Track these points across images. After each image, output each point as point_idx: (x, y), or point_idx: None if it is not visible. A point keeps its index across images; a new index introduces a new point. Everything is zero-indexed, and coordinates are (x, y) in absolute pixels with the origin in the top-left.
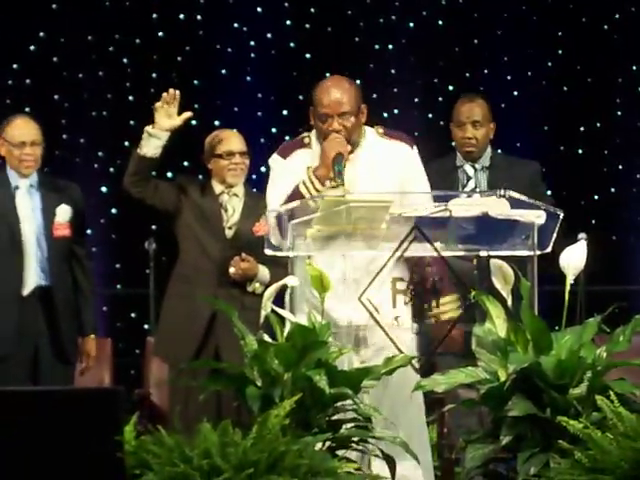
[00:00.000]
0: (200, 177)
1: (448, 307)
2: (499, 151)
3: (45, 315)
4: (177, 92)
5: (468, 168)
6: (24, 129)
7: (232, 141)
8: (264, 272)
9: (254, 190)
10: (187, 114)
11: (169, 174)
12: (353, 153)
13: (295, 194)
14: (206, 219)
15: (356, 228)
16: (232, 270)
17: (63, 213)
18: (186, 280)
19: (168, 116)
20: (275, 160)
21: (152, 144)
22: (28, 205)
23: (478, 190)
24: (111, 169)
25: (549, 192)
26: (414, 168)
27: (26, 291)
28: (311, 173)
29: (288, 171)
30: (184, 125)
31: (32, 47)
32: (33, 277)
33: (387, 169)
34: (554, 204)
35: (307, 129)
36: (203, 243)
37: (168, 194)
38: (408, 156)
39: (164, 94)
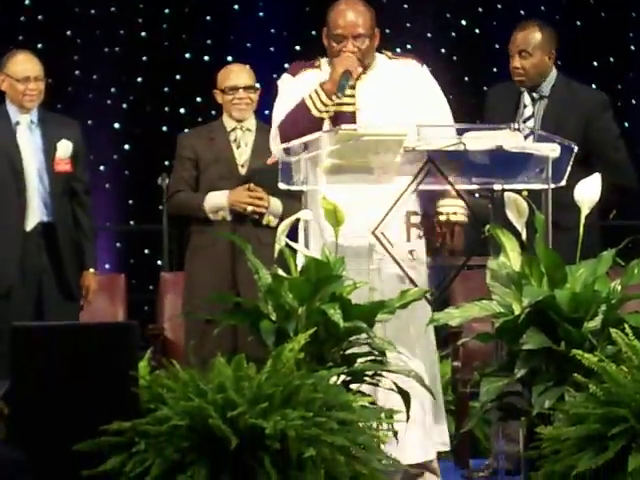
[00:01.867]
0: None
1: (456, 208)
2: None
3: (48, 251)
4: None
5: (526, 97)
6: (28, 64)
7: (236, 75)
8: (276, 204)
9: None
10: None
11: (182, 110)
12: (365, 74)
13: (300, 107)
14: (219, 162)
15: (370, 161)
16: (250, 209)
17: (64, 148)
18: (206, 230)
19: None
20: (284, 78)
21: (219, 215)
22: (29, 140)
23: (531, 120)
24: (124, 105)
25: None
26: (427, 84)
27: (29, 226)
28: (318, 87)
29: (295, 87)
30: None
31: None
32: (36, 212)
33: (399, 88)
34: (620, 135)
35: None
36: (218, 186)
37: (193, 177)
38: (419, 72)
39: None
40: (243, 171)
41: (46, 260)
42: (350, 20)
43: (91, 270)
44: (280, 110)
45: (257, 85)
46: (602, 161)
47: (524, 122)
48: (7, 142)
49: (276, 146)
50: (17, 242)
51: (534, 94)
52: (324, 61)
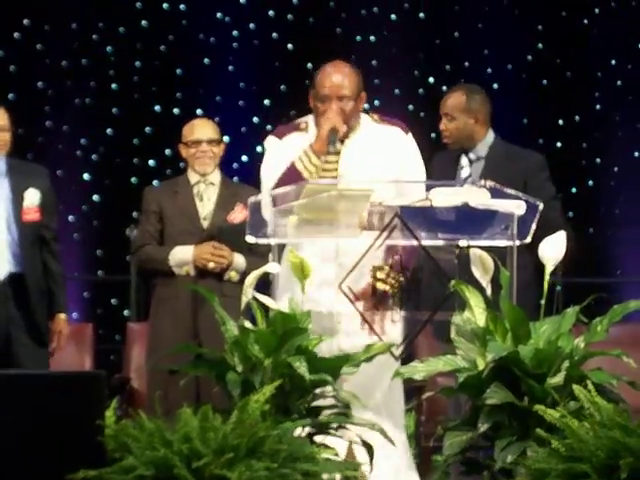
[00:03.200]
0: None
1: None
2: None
3: (17, 301)
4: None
5: (463, 158)
6: None
7: (199, 129)
8: (239, 260)
9: (235, 178)
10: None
11: (151, 162)
12: (348, 139)
13: (291, 170)
14: (182, 215)
15: (338, 216)
16: (211, 265)
17: (32, 197)
18: (171, 283)
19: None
20: (270, 141)
21: (184, 269)
22: None
23: (470, 180)
24: (93, 156)
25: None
26: (409, 153)
27: None
28: (307, 148)
29: (283, 150)
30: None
31: (16, 34)
32: (4, 264)
33: (382, 153)
34: (555, 196)
35: (302, 114)
36: (181, 240)
37: (158, 230)
38: (403, 140)
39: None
40: (205, 224)
41: (15, 310)
42: (335, 81)
43: (62, 315)
44: (268, 174)
45: (222, 138)
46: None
47: (463, 182)
48: None
49: (269, 214)
50: None
51: (471, 155)
52: (310, 122)
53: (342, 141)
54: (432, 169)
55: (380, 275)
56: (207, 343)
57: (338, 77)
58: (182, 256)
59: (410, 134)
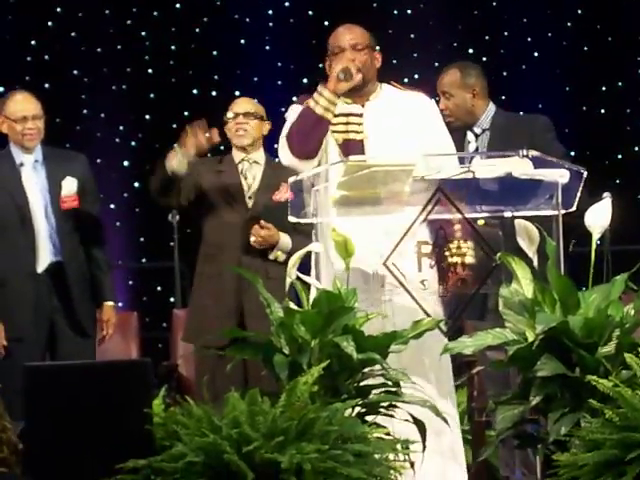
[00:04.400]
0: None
1: (469, 251)
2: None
3: (59, 291)
4: (214, 131)
5: (469, 134)
6: (24, 104)
7: (236, 104)
8: (285, 240)
9: (276, 160)
10: (215, 139)
11: None
12: (369, 101)
13: (304, 110)
14: (227, 192)
15: (379, 192)
16: (252, 239)
17: (69, 185)
18: (213, 259)
19: (197, 145)
20: (292, 107)
21: (179, 162)
22: (34, 181)
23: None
24: (132, 143)
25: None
26: (433, 118)
27: (40, 268)
28: (320, 86)
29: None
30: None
31: (50, 23)
32: (45, 254)
33: (405, 117)
34: (565, 156)
35: None
36: (226, 218)
37: (189, 189)
38: (427, 106)
39: (197, 125)
40: (250, 203)
41: (57, 300)
42: (346, 35)
43: (110, 303)
44: (285, 128)
45: (264, 116)
46: None
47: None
48: (12, 184)
49: (284, 155)
50: (28, 285)
51: (475, 129)
52: None
53: (362, 104)
54: None
55: (425, 250)
56: (251, 324)
57: (348, 32)
58: None
59: (433, 100)
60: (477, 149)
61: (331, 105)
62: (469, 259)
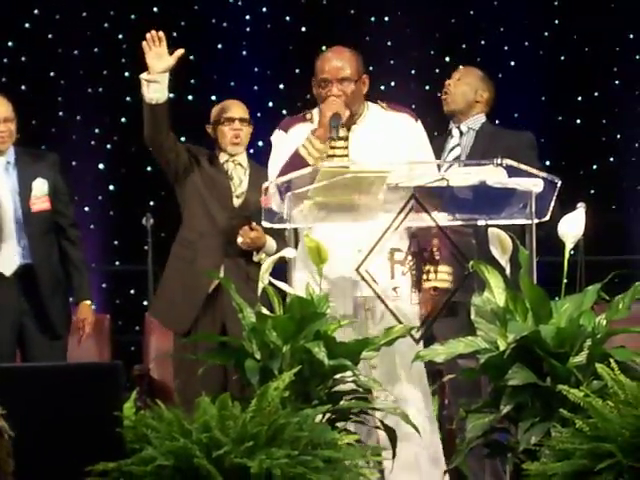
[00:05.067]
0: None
1: (446, 276)
2: (496, 122)
3: (28, 293)
4: (160, 33)
5: (454, 130)
6: None
7: (232, 107)
8: (271, 243)
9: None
10: (179, 51)
11: None
12: (356, 124)
13: (294, 157)
14: (214, 186)
15: (354, 198)
16: (240, 240)
17: (39, 187)
18: (190, 245)
19: (159, 57)
20: (277, 134)
21: (154, 89)
22: (5, 183)
23: (457, 149)
24: (108, 146)
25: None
26: (419, 139)
27: (8, 271)
28: (310, 134)
29: (288, 142)
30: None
31: (27, 24)
32: (15, 256)
33: (391, 139)
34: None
35: (309, 107)
36: (210, 209)
37: (183, 154)
38: (412, 127)
39: (147, 35)
40: (237, 202)
41: (26, 303)
42: (334, 65)
43: (86, 302)
44: (275, 166)
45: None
46: None
47: (450, 151)
48: None
49: (276, 203)
50: None
51: (462, 127)
52: (315, 113)
53: (349, 128)
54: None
55: (398, 257)
56: (232, 327)
57: (336, 60)
58: None
59: (419, 121)
60: (457, 145)
61: (323, 154)
62: (448, 285)
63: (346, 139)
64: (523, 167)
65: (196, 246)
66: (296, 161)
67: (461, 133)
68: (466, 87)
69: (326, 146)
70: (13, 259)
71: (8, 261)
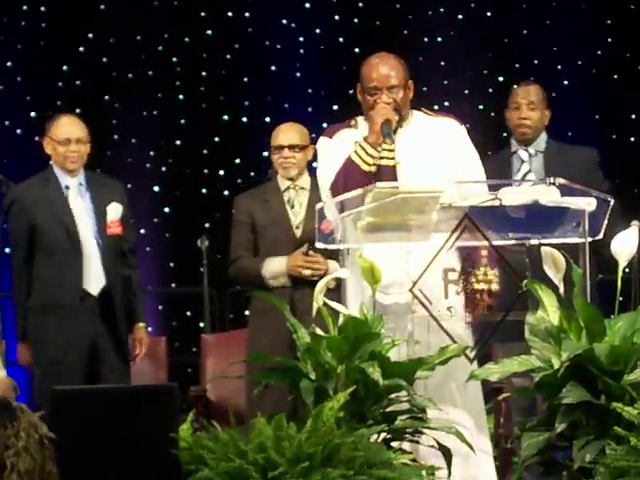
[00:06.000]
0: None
1: (492, 277)
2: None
3: (105, 316)
4: None
5: (522, 153)
6: (69, 127)
7: (281, 135)
8: (334, 266)
9: None
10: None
11: (221, 172)
12: (402, 128)
13: (347, 165)
14: (274, 224)
15: (407, 219)
16: (307, 272)
17: (114, 211)
18: (264, 295)
19: None
20: (321, 141)
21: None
22: (81, 205)
23: (531, 174)
24: (163, 168)
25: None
26: (464, 143)
27: (95, 291)
28: (362, 141)
29: (335, 149)
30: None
31: (81, 48)
32: (97, 278)
33: (436, 144)
34: (610, 191)
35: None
36: (274, 250)
37: (251, 241)
38: (457, 131)
39: None
40: (298, 233)
41: (102, 326)
42: (383, 72)
43: (141, 324)
44: (325, 175)
45: (308, 143)
46: None
47: (524, 177)
48: (60, 207)
49: (332, 214)
50: (75, 309)
51: (530, 150)
52: (360, 119)
53: (395, 130)
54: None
55: (452, 277)
56: None
57: (385, 68)
58: (275, 268)
59: (464, 126)
60: (529, 171)
61: (375, 159)
62: (495, 286)
63: (393, 142)
64: (576, 186)
65: (272, 293)
66: (349, 168)
67: (529, 156)
68: (539, 112)
69: (379, 152)
70: (97, 281)
71: (95, 280)
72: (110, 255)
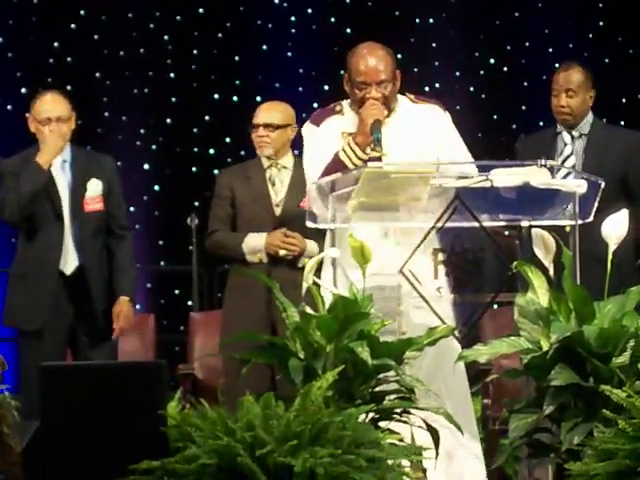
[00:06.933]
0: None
1: None
2: (603, 120)
3: (80, 293)
4: None
5: (565, 135)
6: (50, 104)
7: (260, 114)
8: (312, 246)
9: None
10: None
11: (211, 150)
12: (389, 117)
13: (336, 162)
14: (254, 201)
15: (397, 199)
16: (282, 252)
17: (94, 187)
18: (242, 270)
19: None
20: (308, 128)
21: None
22: (62, 181)
23: (572, 157)
24: (153, 146)
25: None
26: (448, 130)
27: (68, 270)
28: (351, 141)
29: (322, 138)
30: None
31: (73, 25)
32: (72, 257)
33: (422, 132)
34: None
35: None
36: (253, 227)
37: (230, 215)
38: (441, 119)
39: None
40: (278, 211)
41: (77, 305)
42: (372, 66)
43: (123, 298)
44: (311, 163)
45: (287, 123)
46: None
47: (564, 160)
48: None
49: (317, 205)
50: (53, 284)
51: (574, 132)
52: (345, 104)
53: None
54: (522, 152)
55: (441, 257)
56: (282, 331)
57: (374, 62)
58: (254, 244)
59: (447, 112)
60: (572, 154)
61: (362, 160)
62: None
63: (382, 149)
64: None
65: (249, 269)
66: (337, 167)
67: (572, 138)
68: (580, 98)
69: (367, 154)
70: (73, 258)
71: (69, 260)
72: (87, 232)
